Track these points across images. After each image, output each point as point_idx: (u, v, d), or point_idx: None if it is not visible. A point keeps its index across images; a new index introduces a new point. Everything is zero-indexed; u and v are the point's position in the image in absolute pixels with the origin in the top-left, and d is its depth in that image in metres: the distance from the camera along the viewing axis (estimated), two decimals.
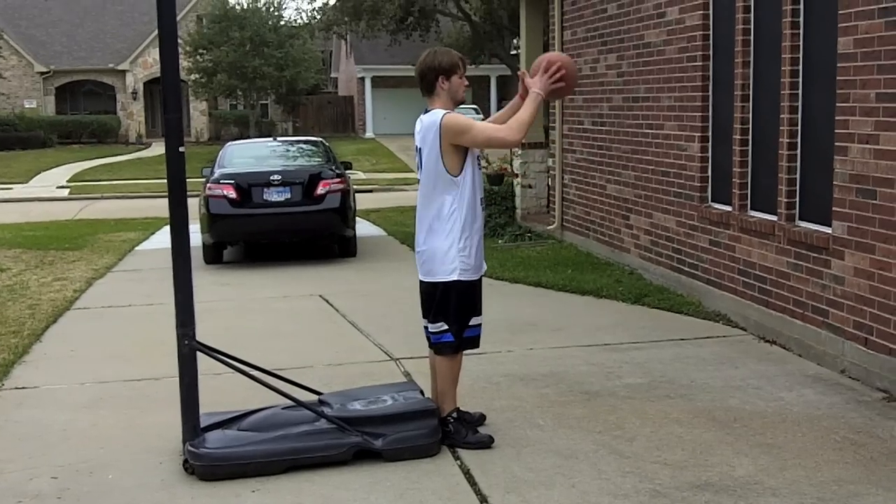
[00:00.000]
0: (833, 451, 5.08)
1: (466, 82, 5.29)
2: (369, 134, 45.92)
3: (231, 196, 12.03)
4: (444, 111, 5.10)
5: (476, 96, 46.15)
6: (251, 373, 5.29)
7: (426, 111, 5.21)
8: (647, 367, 6.74)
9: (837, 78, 6.48)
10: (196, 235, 12.10)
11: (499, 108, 45.34)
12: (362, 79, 46.51)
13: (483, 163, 5.26)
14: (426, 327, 5.38)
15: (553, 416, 5.73)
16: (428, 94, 5.22)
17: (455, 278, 5.14)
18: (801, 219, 7.14)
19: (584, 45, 11.37)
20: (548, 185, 13.76)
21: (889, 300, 6.02)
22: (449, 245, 5.11)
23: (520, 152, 13.97)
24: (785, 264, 7.19)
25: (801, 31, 7.04)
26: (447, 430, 5.25)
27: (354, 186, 14.20)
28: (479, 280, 5.31)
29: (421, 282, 5.31)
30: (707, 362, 6.85)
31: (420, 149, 5.22)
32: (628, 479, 4.76)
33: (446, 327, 5.21)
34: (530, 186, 14.11)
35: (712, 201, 8.51)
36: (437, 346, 5.30)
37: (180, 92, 5.09)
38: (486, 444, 5.22)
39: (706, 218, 8.44)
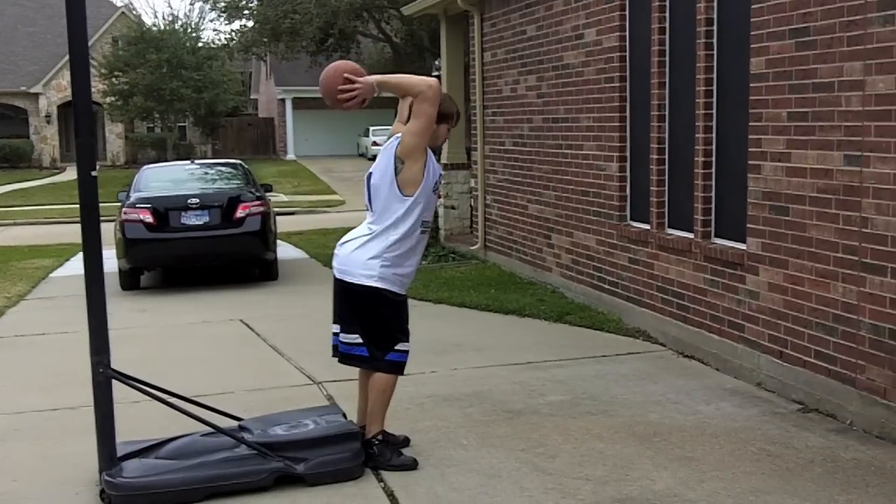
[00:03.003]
0: (750, 462, 5.17)
1: (449, 136, 5.42)
2: (291, 156, 45.63)
3: (147, 220, 11.83)
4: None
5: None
6: (169, 400, 5.18)
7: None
8: (569, 385, 6.79)
9: (750, 98, 6.64)
10: (112, 261, 11.89)
11: None
12: (283, 100, 46.22)
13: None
14: (336, 334, 5.29)
15: (477, 436, 5.73)
16: None
17: (394, 289, 5.10)
18: (716, 236, 7.28)
19: (505, 67, 11.47)
20: (471, 205, 13.83)
21: (802, 314, 6.17)
22: (376, 253, 5.07)
23: (442, 173, 13.97)
24: (702, 280, 7.32)
25: (715, 52, 7.20)
26: (371, 453, 5.21)
27: (276, 209, 14.09)
28: (406, 298, 5.26)
29: (343, 285, 5.18)
30: (627, 378, 6.93)
31: (381, 152, 5.23)
32: (551, 495, 4.78)
33: (361, 340, 5.16)
34: (453, 207, 14.16)
35: (631, 220, 8.64)
36: (348, 357, 5.23)
37: (92, 116, 5.00)
38: (410, 466, 5.19)
39: (625, 236, 8.56)
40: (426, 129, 5.02)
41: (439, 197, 5.13)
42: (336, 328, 5.29)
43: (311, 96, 43.79)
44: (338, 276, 5.19)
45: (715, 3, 7.17)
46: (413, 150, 5.02)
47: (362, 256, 5.08)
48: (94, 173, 4.85)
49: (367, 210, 5.24)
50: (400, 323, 5.23)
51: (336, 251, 5.26)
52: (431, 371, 7.28)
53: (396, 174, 5.05)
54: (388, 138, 5.31)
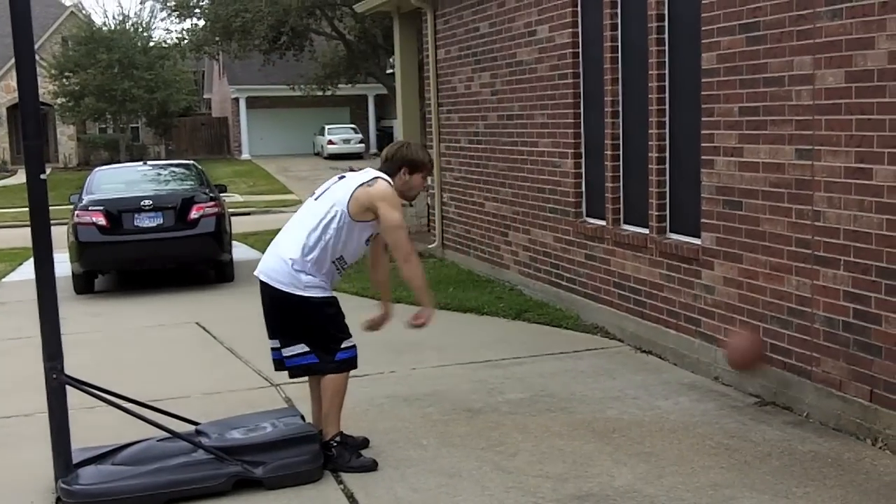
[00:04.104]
0: (709, 456, 5.21)
1: (425, 184, 5.49)
2: (245, 155, 45.30)
3: (100, 223, 11.71)
4: (383, 176, 5.12)
5: (354, 116, 46.11)
6: (124, 405, 5.12)
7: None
8: (528, 382, 6.80)
9: (702, 93, 6.68)
10: (66, 265, 11.74)
11: (377, 127, 45.44)
12: (237, 99, 45.88)
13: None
14: (276, 350, 5.27)
15: (436, 436, 5.71)
16: (388, 175, 5.20)
17: (319, 294, 5.09)
18: (671, 231, 7.32)
19: (459, 64, 11.46)
20: (427, 203, 13.81)
21: (757, 307, 6.22)
22: (301, 268, 5.06)
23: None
24: (658, 276, 7.36)
25: (667, 48, 7.24)
26: (330, 455, 5.19)
27: (231, 210, 13.98)
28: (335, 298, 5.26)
29: (269, 290, 5.14)
30: (586, 374, 6.95)
31: (346, 179, 5.21)
32: (511, 493, 4.78)
33: (307, 349, 5.14)
34: (411, 205, 14.11)
35: (587, 216, 8.67)
36: (297, 368, 5.23)
37: (40, 118, 4.91)
38: (370, 467, 5.17)
39: (581, 233, 8.59)
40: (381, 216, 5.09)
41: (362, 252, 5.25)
42: (275, 343, 5.27)
43: (266, 95, 43.66)
44: (262, 277, 5.20)
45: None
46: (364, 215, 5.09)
47: (286, 266, 5.09)
48: (43, 176, 4.78)
49: (298, 220, 5.23)
50: (338, 322, 5.23)
51: (265, 255, 5.28)
52: (390, 371, 7.26)
53: (349, 203, 5.05)
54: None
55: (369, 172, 5.19)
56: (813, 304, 5.74)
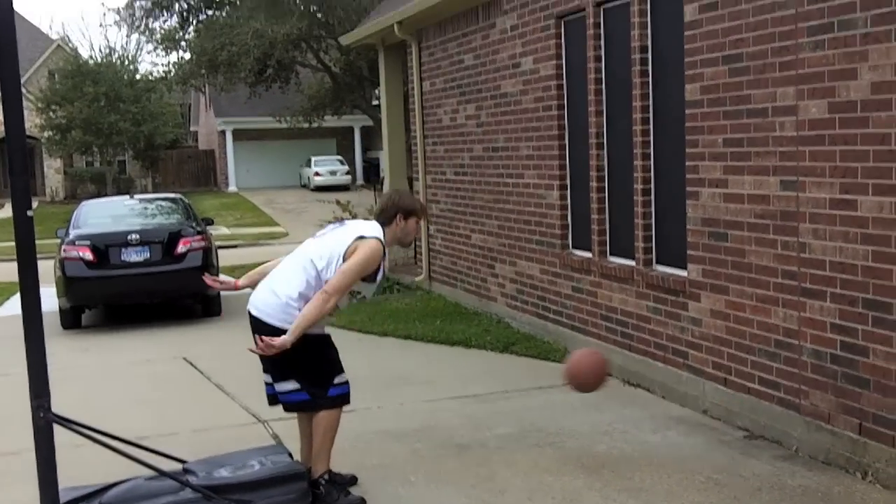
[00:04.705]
0: (698, 492, 5.17)
1: (417, 230, 5.53)
2: (232, 188, 45.23)
3: (87, 258, 11.69)
4: (378, 237, 5.13)
5: (340, 147, 46.16)
6: (111, 444, 5.06)
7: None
8: (516, 416, 6.76)
9: (686, 124, 6.70)
10: (53, 300, 11.68)
11: (363, 158, 45.47)
12: (223, 132, 45.85)
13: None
14: (270, 385, 5.27)
15: (425, 472, 5.67)
16: (383, 225, 5.27)
17: (313, 331, 5.07)
18: (658, 263, 7.32)
19: (444, 96, 11.49)
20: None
21: (745, 340, 6.21)
22: (297, 305, 5.06)
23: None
24: (645, 308, 7.35)
25: (651, 80, 7.27)
26: (318, 493, 5.15)
27: (218, 243, 13.95)
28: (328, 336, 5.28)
29: (261, 326, 5.12)
30: (575, 409, 6.91)
31: (343, 226, 5.27)
32: None
33: (298, 386, 5.13)
34: (408, 247, 14.09)
35: (573, 248, 8.66)
36: (290, 404, 5.22)
37: (27, 154, 4.89)
38: None
39: (568, 265, 8.58)
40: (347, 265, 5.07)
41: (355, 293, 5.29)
42: (268, 378, 5.29)
43: (252, 127, 43.66)
44: (255, 312, 5.18)
45: (649, 31, 7.25)
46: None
47: (280, 302, 5.09)
48: (29, 213, 4.75)
49: (294, 261, 5.22)
50: (330, 358, 5.24)
51: (258, 292, 5.25)
52: (378, 406, 7.22)
53: (346, 252, 5.08)
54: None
55: (372, 227, 5.20)
56: (800, 336, 5.73)
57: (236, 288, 5.64)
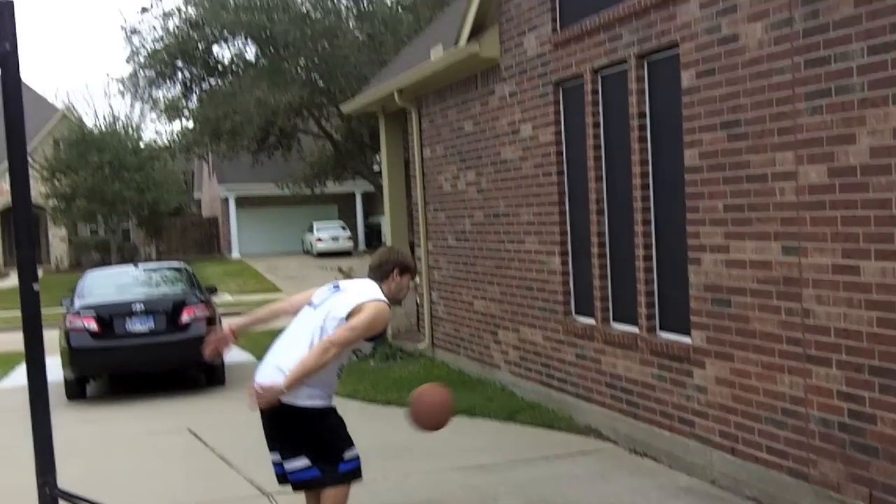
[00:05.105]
0: None
1: (411, 287, 5.48)
2: (236, 254, 45.26)
3: (92, 328, 11.67)
4: (382, 299, 5.08)
5: (342, 213, 46.27)
6: None
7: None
8: (522, 488, 6.64)
9: (686, 190, 6.67)
10: (58, 370, 11.61)
11: (365, 224, 45.59)
12: (226, 199, 46.05)
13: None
14: (278, 464, 5.14)
15: None
16: (379, 280, 5.25)
17: (319, 404, 4.98)
18: (661, 329, 7.23)
19: (444, 162, 11.50)
20: (416, 302, 13.72)
21: (752, 408, 6.10)
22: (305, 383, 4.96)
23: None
24: (650, 375, 7.25)
25: (650, 146, 7.26)
26: None
27: (222, 310, 13.89)
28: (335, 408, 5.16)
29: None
30: (581, 479, 6.78)
31: (341, 291, 5.17)
32: None
33: (309, 463, 5.02)
34: (399, 304, 14.02)
35: (576, 314, 8.59)
36: (300, 483, 5.09)
37: (34, 227, 4.89)
38: None
39: (571, 331, 8.50)
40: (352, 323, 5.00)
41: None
42: (276, 457, 5.15)
43: (255, 194, 43.85)
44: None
45: (647, 97, 7.26)
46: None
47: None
48: (36, 287, 4.72)
49: (296, 332, 5.14)
50: (340, 432, 5.13)
51: (263, 368, 5.13)
52: (383, 478, 7.10)
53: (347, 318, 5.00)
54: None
55: (373, 290, 5.13)
56: (807, 403, 5.63)
57: (233, 336, 5.54)
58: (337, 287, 5.29)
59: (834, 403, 5.42)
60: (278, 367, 5.02)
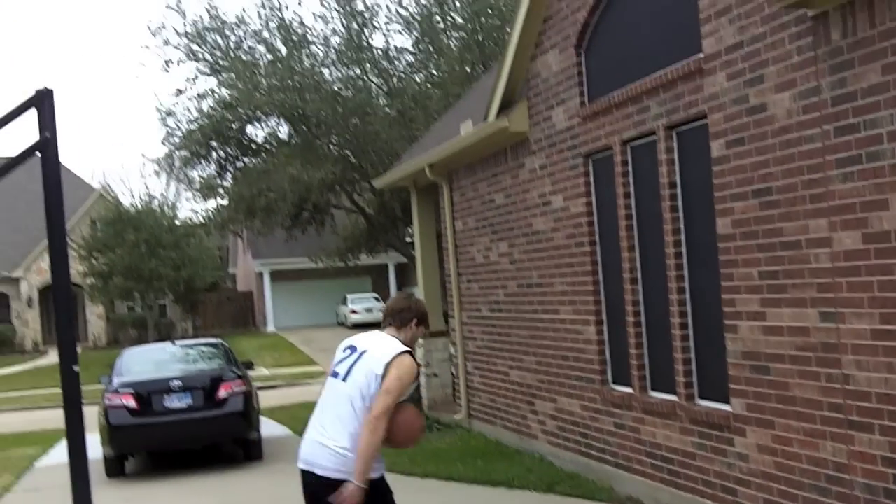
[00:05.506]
0: None
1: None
2: (271, 328, 45.50)
3: (131, 405, 11.76)
4: (405, 350, 5.02)
5: (375, 284, 46.48)
6: None
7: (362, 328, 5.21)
8: None
9: (720, 258, 6.69)
10: (96, 447, 11.68)
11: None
12: (261, 273, 46.46)
13: None
14: None
15: None
16: (396, 326, 5.18)
17: (376, 475, 4.88)
18: (700, 397, 7.20)
19: (476, 235, 11.60)
20: (452, 373, 13.71)
21: (794, 475, 6.04)
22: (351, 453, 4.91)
23: (422, 341, 13.97)
24: (690, 444, 7.20)
25: (681, 214, 7.30)
26: None
27: (257, 383, 13.97)
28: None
29: (321, 481, 4.88)
30: None
31: (362, 353, 5.05)
32: None
33: None
34: (435, 375, 14.04)
35: (613, 384, 8.56)
36: None
37: (73, 308, 4.98)
38: None
39: (609, 400, 8.47)
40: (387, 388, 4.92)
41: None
42: None
43: (289, 268, 44.19)
44: (308, 468, 4.98)
45: (677, 167, 7.32)
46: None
47: (332, 452, 4.89)
48: (76, 368, 4.79)
49: (334, 404, 5.04)
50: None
51: (307, 445, 5.04)
52: None
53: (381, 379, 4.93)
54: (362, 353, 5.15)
55: (394, 345, 5.06)
56: (850, 470, 5.57)
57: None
58: (353, 349, 5.15)
59: (878, 470, 5.36)
60: (320, 442, 4.94)
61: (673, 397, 7.46)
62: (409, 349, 5.06)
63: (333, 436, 4.91)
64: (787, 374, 6.06)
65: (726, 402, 6.75)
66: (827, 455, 5.76)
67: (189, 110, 23.38)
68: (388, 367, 4.93)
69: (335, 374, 5.12)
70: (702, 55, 6.78)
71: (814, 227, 5.78)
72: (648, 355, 7.96)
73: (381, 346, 5.07)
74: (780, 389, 6.14)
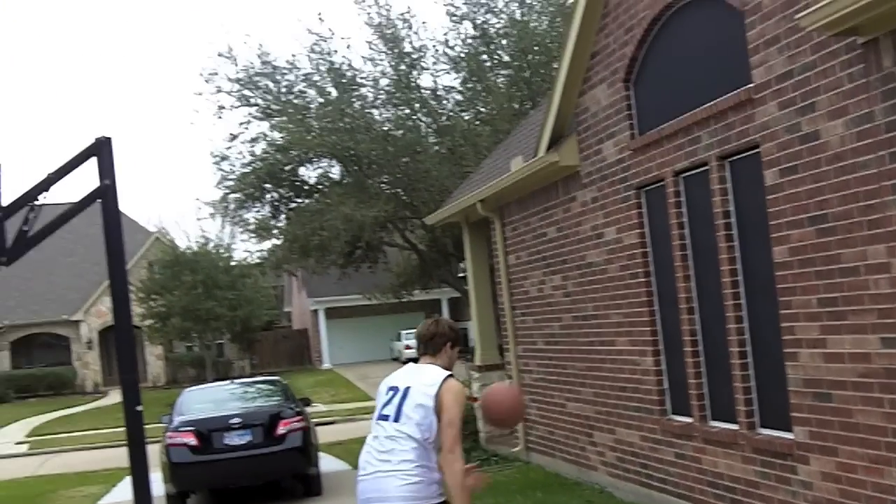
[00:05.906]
0: None
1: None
2: (326, 365, 45.80)
3: (192, 443, 11.95)
4: (447, 374, 5.08)
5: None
6: None
7: (412, 361, 5.27)
8: None
9: (777, 286, 6.69)
10: (158, 484, 11.85)
11: None
12: (315, 311, 46.83)
13: None
14: None
15: None
16: (431, 354, 5.26)
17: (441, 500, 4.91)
18: (762, 426, 7.17)
19: (529, 269, 11.65)
20: None
21: (860, 502, 5.99)
22: (427, 467, 4.91)
23: (477, 375, 14.01)
24: (752, 473, 7.16)
25: (737, 243, 7.31)
26: None
27: (315, 420, 14.10)
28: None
29: None
30: None
31: (407, 389, 5.09)
32: None
33: None
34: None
35: (673, 414, 8.54)
36: None
37: (135, 350, 5.14)
38: None
39: (668, 431, 8.45)
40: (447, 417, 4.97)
41: None
42: None
43: (343, 305, 44.50)
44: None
45: (731, 197, 7.34)
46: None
47: (405, 481, 4.91)
48: (139, 408, 4.93)
49: (391, 445, 5.02)
50: None
51: (369, 483, 5.01)
52: None
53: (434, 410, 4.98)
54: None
55: (437, 373, 5.08)
56: None
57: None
58: (395, 389, 5.16)
59: None
60: (383, 474, 4.99)
61: (734, 426, 7.43)
62: (450, 373, 5.13)
63: (395, 463, 4.92)
64: (849, 400, 6.03)
65: (788, 430, 6.72)
66: (893, 482, 5.71)
67: (242, 154, 23.65)
68: (438, 395, 4.97)
69: (385, 417, 5.09)
70: (752, 85, 6.82)
71: (872, 253, 5.78)
72: (708, 385, 7.94)
73: (424, 378, 5.10)
74: (843, 416, 6.10)
